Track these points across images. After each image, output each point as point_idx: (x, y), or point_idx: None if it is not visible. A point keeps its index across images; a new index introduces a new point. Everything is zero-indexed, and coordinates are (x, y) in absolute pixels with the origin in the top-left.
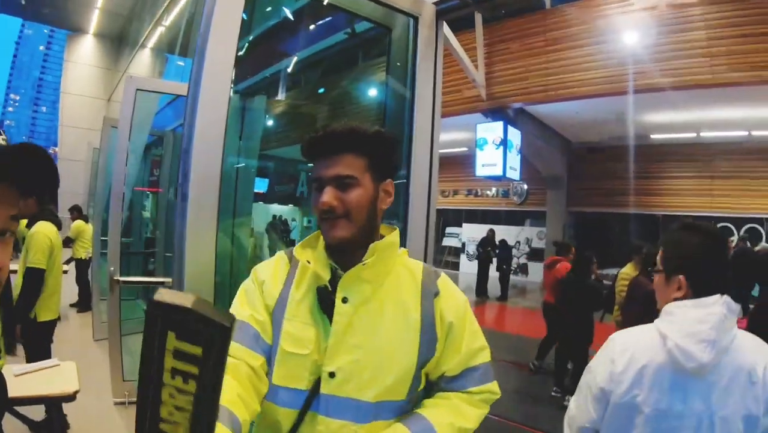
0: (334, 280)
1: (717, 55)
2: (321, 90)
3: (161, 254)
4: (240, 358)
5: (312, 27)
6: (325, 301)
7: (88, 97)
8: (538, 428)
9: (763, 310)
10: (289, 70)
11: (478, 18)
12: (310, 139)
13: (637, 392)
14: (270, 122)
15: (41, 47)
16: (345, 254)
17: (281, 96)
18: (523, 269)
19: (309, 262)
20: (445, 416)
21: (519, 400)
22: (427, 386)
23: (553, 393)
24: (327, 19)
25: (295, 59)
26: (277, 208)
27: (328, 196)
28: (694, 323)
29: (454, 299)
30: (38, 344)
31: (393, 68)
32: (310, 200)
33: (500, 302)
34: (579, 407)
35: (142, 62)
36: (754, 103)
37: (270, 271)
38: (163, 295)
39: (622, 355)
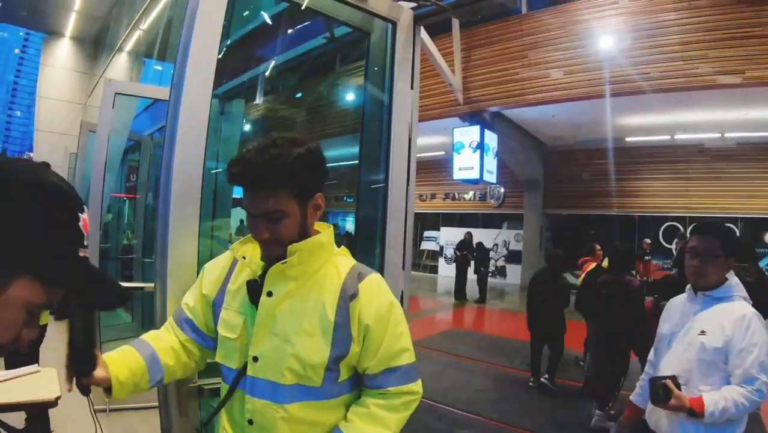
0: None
1: (691, 59)
2: (299, 95)
3: (139, 260)
4: (172, 331)
5: (290, 31)
6: (253, 293)
7: (65, 101)
8: (519, 426)
9: None
10: (267, 74)
11: (455, 23)
12: (231, 173)
13: None
14: (248, 127)
15: (16, 50)
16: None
17: (259, 100)
18: (501, 272)
19: (244, 258)
20: (363, 428)
21: (498, 399)
22: (356, 378)
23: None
24: (306, 23)
25: (273, 63)
26: None
27: (260, 231)
28: None
29: (374, 302)
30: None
31: (371, 72)
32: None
33: (478, 304)
34: None
35: (119, 66)
36: (727, 105)
37: (214, 266)
38: None
39: None
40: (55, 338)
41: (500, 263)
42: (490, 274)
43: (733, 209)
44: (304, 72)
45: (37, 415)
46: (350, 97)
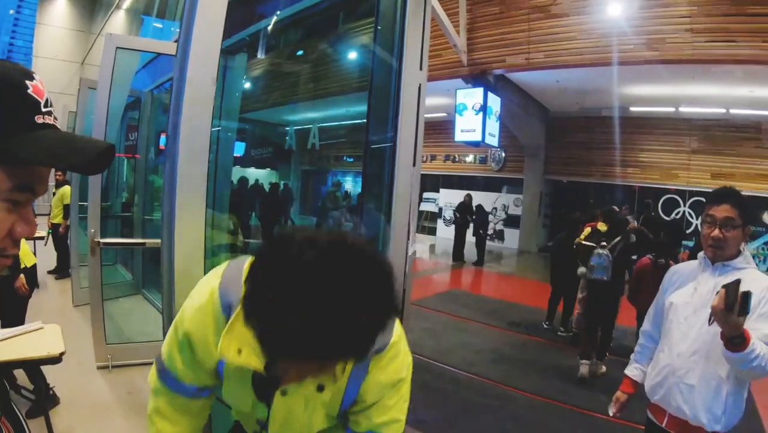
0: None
1: (699, 31)
2: (300, 52)
3: (139, 218)
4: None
5: None
6: (261, 389)
7: (62, 60)
8: (516, 387)
9: None
10: (270, 28)
11: None
12: (294, 338)
13: None
14: (249, 84)
15: (11, 11)
16: None
17: (261, 55)
18: (499, 235)
19: (240, 352)
20: None
21: (497, 360)
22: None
23: None
24: None
25: (277, 17)
26: (253, 173)
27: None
28: None
29: (381, 380)
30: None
31: (381, 28)
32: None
33: (476, 266)
34: None
35: (117, 24)
36: (733, 81)
37: (200, 329)
38: None
39: None
40: (59, 299)
41: (499, 226)
42: (488, 237)
43: (733, 186)
44: (309, 28)
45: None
46: (356, 54)
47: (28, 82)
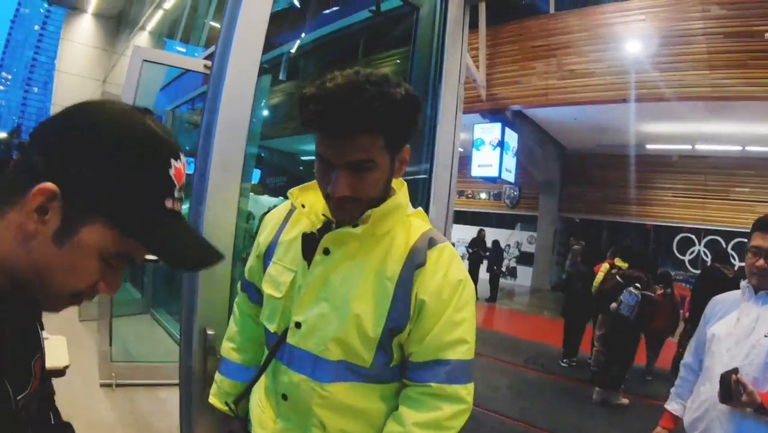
0: (326, 230)
1: (717, 68)
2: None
3: None
4: (238, 312)
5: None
6: (307, 248)
7: (84, 77)
8: (535, 424)
9: None
10: (300, 50)
11: (482, 18)
12: (312, 112)
13: None
14: (278, 103)
15: (36, 26)
16: None
17: (285, 77)
18: (512, 273)
19: (303, 206)
20: None
21: (514, 397)
22: (400, 367)
23: None
24: None
25: (308, 39)
26: (266, 200)
27: (341, 186)
28: None
29: (439, 275)
30: None
31: (419, 48)
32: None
33: (489, 303)
34: None
35: (140, 44)
36: (750, 118)
37: (271, 216)
38: None
39: None
40: (65, 312)
41: (512, 264)
42: (501, 274)
43: (748, 224)
44: (347, 47)
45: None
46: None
47: (173, 162)
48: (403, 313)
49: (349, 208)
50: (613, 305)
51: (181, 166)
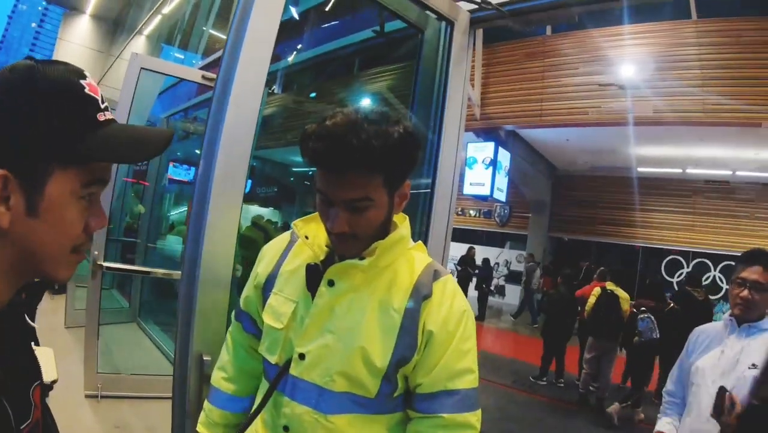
0: (329, 262)
1: (710, 94)
2: (337, 90)
3: (142, 245)
4: (231, 342)
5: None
6: (312, 279)
7: None
8: None
9: None
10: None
11: (479, 38)
12: (312, 149)
13: None
14: (280, 117)
15: (33, 24)
16: None
17: (280, 90)
18: (500, 291)
19: (307, 237)
20: None
21: (500, 419)
22: (406, 398)
23: None
24: (354, 15)
25: (301, 55)
26: (255, 210)
27: (339, 222)
28: None
29: (446, 307)
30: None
31: (422, 71)
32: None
33: (477, 321)
34: None
35: (137, 49)
36: (741, 143)
37: (270, 246)
38: None
39: None
40: (52, 318)
41: (500, 282)
42: (490, 292)
43: (737, 247)
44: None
45: None
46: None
47: (83, 82)
48: (410, 344)
49: (352, 246)
50: (636, 339)
51: (91, 81)
